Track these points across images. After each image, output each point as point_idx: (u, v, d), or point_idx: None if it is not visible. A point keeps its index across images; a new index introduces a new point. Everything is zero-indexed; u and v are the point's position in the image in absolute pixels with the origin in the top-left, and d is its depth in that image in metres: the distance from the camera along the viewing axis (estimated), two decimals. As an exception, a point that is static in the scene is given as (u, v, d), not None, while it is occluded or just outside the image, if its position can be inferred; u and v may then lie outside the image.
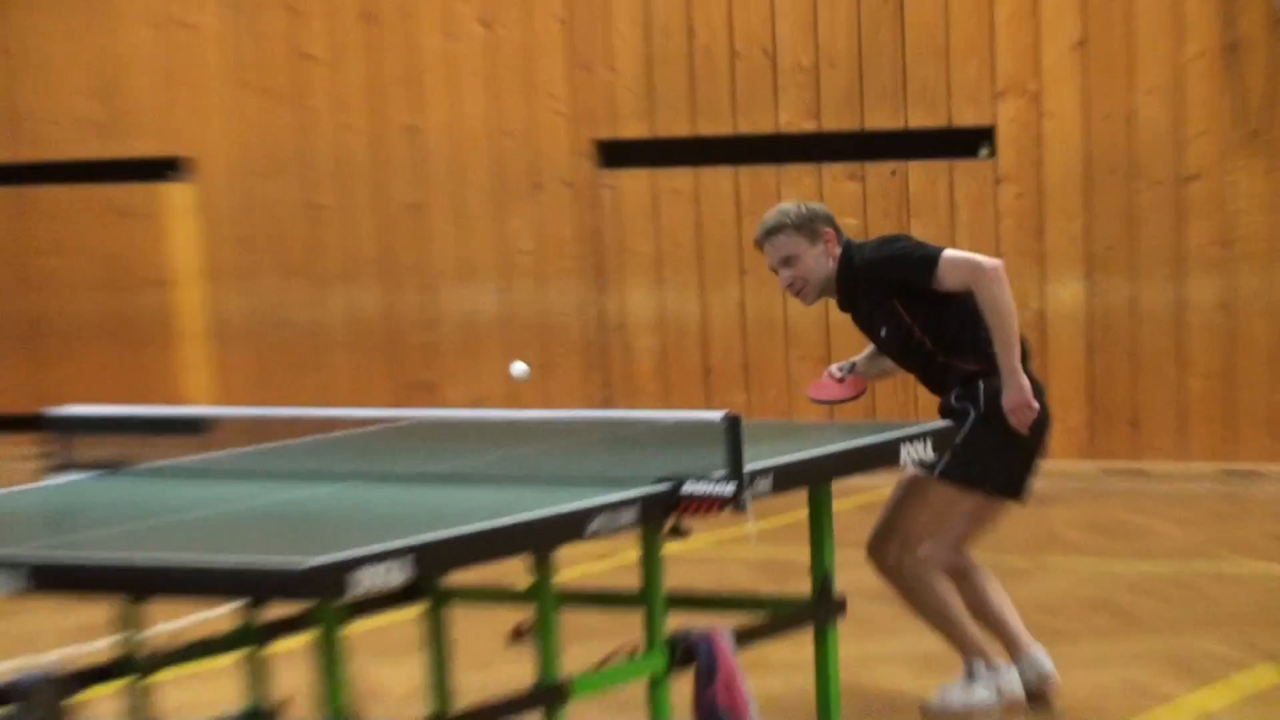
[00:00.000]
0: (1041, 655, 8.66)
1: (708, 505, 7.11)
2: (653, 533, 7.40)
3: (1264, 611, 10.11)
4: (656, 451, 7.87)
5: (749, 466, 7.17)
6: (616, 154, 15.03)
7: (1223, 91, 13.47)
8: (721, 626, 7.76)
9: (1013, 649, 8.63)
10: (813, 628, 8.13)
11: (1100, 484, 13.68)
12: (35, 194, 16.70)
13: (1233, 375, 13.60)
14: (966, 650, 8.56)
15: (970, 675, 8.54)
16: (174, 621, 9.28)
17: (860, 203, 14.18)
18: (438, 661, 8.38)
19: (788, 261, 8.45)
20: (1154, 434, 13.78)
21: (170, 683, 8.32)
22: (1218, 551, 11.54)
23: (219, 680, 8.74)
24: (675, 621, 7.67)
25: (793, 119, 14.49)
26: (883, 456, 8.04)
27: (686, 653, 7.60)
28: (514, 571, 7.42)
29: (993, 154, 14.05)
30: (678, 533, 7.35)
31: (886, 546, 8.54)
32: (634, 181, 15.00)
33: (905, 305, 8.42)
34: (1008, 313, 8.28)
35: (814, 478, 7.92)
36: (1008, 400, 8.35)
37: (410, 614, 8.68)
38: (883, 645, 9.53)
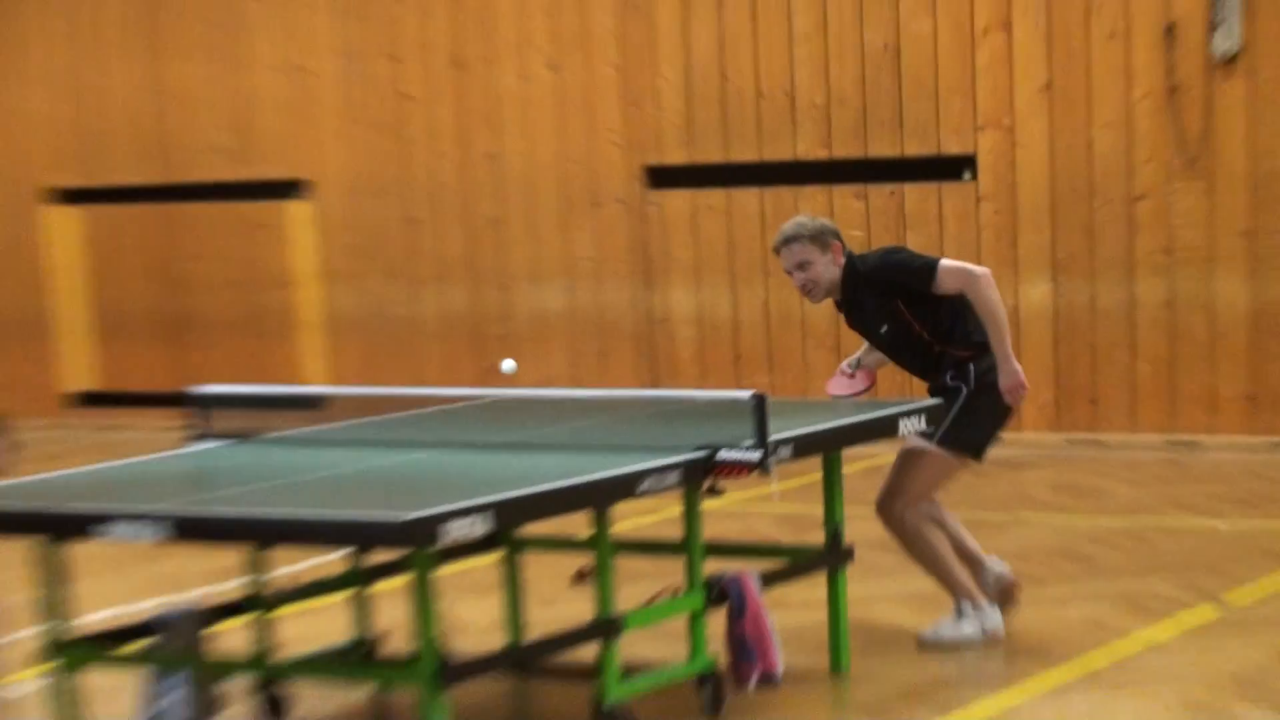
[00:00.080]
0: (999, 565, 8.68)
1: (738, 469, 7.10)
2: (692, 492, 7.37)
3: (1203, 558, 10.01)
4: (695, 424, 7.83)
5: (773, 437, 7.16)
6: (662, 177, 14.95)
7: (1166, 126, 13.38)
8: (749, 571, 7.74)
9: (975, 566, 8.62)
10: (826, 572, 8.12)
11: (1065, 452, 13.58)
12: (181, 210, 16.67)
13: (1175, 361, 13.50)
14: (956, 592, 8.50)
15: (959, 613, 8.47)
16: (293, 566, 9.23)
17: (865, 218, 14.10)
18: (513, 599, 8.35)
19: (801, 266, 8.40)
20: (1110, 410, 13.69)
21: (289, 617, 8.29)
22: (1163, 508, 11.46)
23: (330, 615, 8.69)
24: (711, 566, 7.64)
25: (808, 148, 14.41)
26: (884, 429, 8.07)
27: (720, 593, 7.58)
28: (577, 524, 7.38)
29: (975, 177, 13.95)
30: (713, 492, 7.33)
31: (892, 504, 8.46)
32: (676, 200, 14.92)
33: (906, 305, 8.37)
34: (999, 311, 8.30)
35: (827, 446, 7.91)
36: (1004, 382, 8.34)
37: (490, 559, 8.64)
38: (885, 587, 9.45)
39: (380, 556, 7.98)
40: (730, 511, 10.98)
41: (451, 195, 15.60)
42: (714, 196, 14.76)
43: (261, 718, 7.70)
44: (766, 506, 11.52)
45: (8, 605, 6.01)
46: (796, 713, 7.54)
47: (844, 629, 8.09)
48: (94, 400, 16.85)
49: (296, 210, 16.15)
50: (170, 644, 7.27)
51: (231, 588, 9.12)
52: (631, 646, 7.51)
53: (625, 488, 6.85)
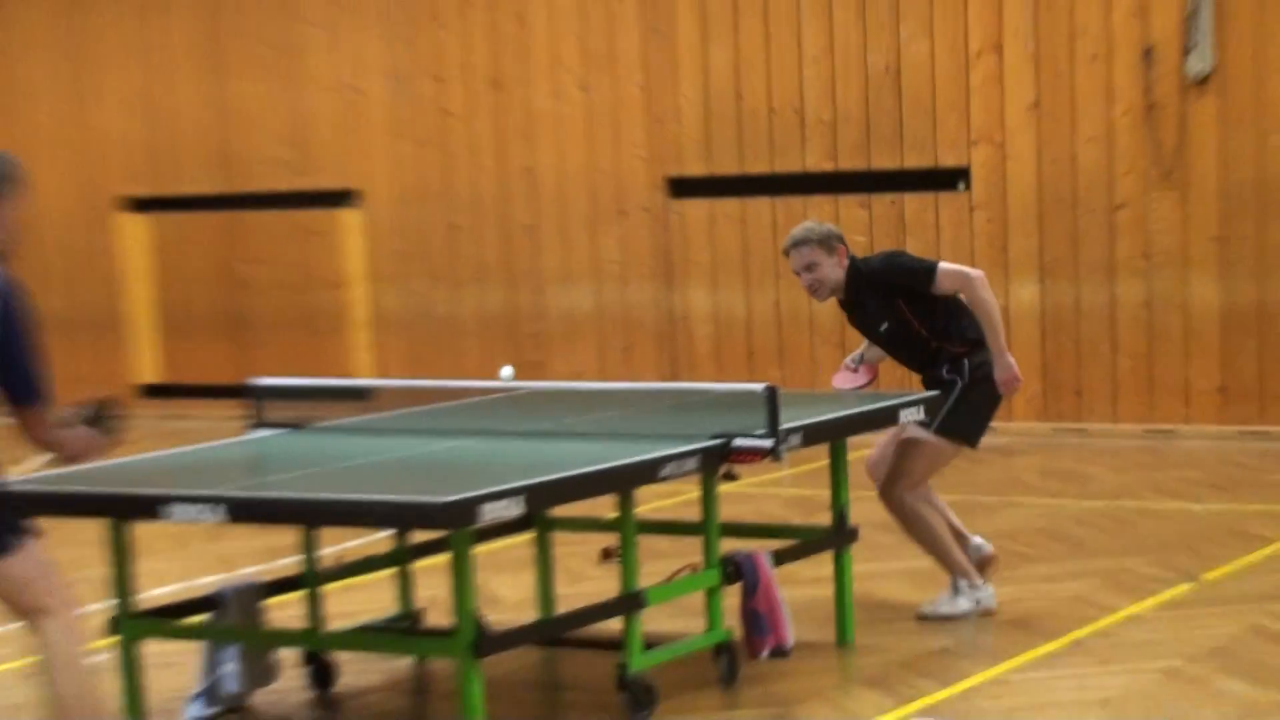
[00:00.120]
0: (979, 540, 8.64)
1: (752, 456, 7.04)
2: (710, 476, 7.29)
3: (1180, 539, 9.92)
4: (712, 414, 7.77)
5: (784, 426, 7.09)
6: (682, 188, 14.87)
7: (1144, 141, 13.29)
8: (762, 550, 7.66)
9: (960, 541, 8.55)
10: (832, 551, 8.05)
11: (1052, 440, 13.47)
12: (242, 217, 16.63)
13: (1153, 357, 13.40)
14: (953, 570, 8.41)
15: (955, 590, 8.39)
16: (341, 545, 9.14)
17: (868, 225, 14.04)
18: (543, 576, 8.26)
19: (809, 268, 8.33)
20: (1093, 402, 13.58)
21: (337, 592, 8.21)
22: (1143, 493, 11.35)
23: (375, 591, 8.61)
24: (727, 546, 7.56)
25: (816, 161, 14.33)
26: (886, 418, 8.03)
27: (735, 570, 7.52)
28: (603, 506, 7.30)
29: (969, 188, 13.85)
30: (729, 477, 7.31)
31: (893, 489, 8.38)
32: (695, 209, 14.84)
33: (906, 304, 8.31)
34: (994, 309, 8.27)
35: (833, 434, 7.85)
36: (1000, 374, 8.30)
37: (522, 539, 8.56)
38: (886, 565, 9.36)
39: (421, 536, 7.90)
40: (745, 495, 10.92)
41: (489, 204, 15.54)
42: (730, 205, 14.69)
43: (311, 686, 7.61)
44: (778, 490, 11.47)
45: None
46: (806, 681, 7.46)
47: (849, 604, 8.02)
48: (160, 392, 16.83)
49: (347, 218, 16.10)
50: (228, 617, 7.22)
51: (284, 565, 9.08)
52: (653, 620, 7.43)
53: (647, 473, 6.79)
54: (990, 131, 13.73)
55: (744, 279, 14.65)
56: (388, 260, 15.98)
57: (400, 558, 7.97)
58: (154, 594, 8.79)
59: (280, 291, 16.44)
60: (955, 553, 8.41)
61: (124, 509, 6.76)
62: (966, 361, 8.31)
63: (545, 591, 8.24)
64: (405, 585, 7.99)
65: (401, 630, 7.89)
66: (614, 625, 7.10)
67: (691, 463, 6.91)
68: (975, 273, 8.28)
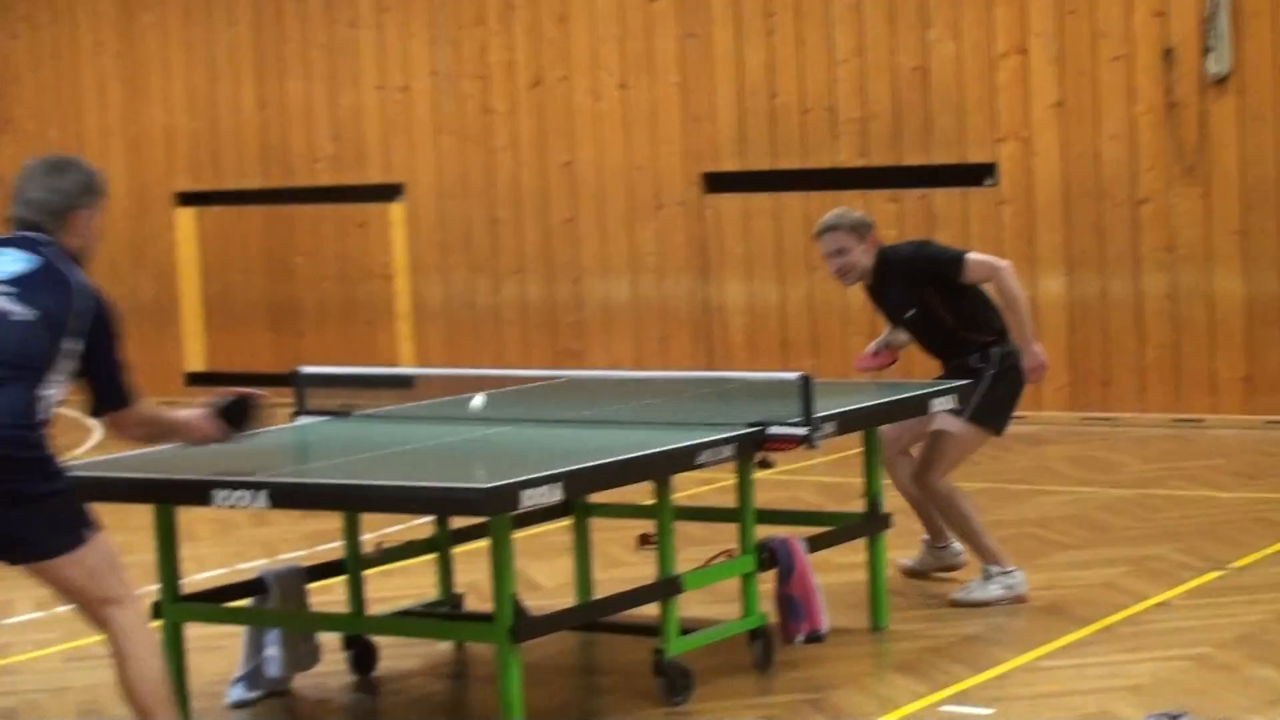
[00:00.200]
0: (959, 547, 8.53)
1: (787, 443, 6.92)
2: (745, 464, 7.13)
3: (1207, 526, 9.74)
4: (747, 403, 7.62)
5: (818, 414, 6.96)
6: (717, 183, 14.79)
7: (1165, 138, 13.22)
8: (797, 536, 7.52)
9: (939, 536, 8.52)
10: (866, 537, 7.90)
11: (1080, 429, 13.31)
12: (291, 211, 16.59)
13: (1179, 347, 13.28)
14: (984, 556, 8.24)
15: (986, 576, 8.20)
16: (381, 530, 9.00)
17: (899, 220, 13.93)
18: (582, 562, 8.15)
19: (839, 252, 8.24)
20: (1120, 392, 13.45)
21: (378, 577, 8.08)
22: (1170, 481, 11.16)
23: (417, 575, 8.47)
24: (762, 532, 7.43)
25: (848, 157, 14.26)
26: (918, 407, 7.90)
27: (770, 556, 7.37)
28: (640, 493, 7.18)
29: (996, 183, 13.77)
30: (764, 464, 7.19)
31: (927, 475, 8.24)
32: (730, 203, 14.75)
33: (935, 292, 8.19)
34: (1021, 299, 8.18)
35: (867, 422, 7.71)
36: (1028, 362, 8.21)
37: (561, 525, 8.43)
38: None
39: (461, 522, 7.76)
40: (780, 481, 10.78)
41: (530, 198, 15.48)
42: (763, 200, 14.61)
43: (352, 670, 7.46)
44: (812, 477, 11.33)
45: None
46: (840, 667, 7.30)
47: (883, 590, 7.88)
48: (207, 380, 16.79)
49: (392, 211, 16.06)
50: (270, 602, 7.09)
51: (327, 550, 8.98)
52: (689, 605, 7.28)
53: (684, 460, 6.67)
54: (1016, 129, 13.66)
55: (778, 271, 14.57)
56: (430, 252, 15.93)
57: (440, 543, 7.83)
58: (197, 578, 8.72)
59: (325, 283, 16.42)
60: (987, 538, 8.25)
61: (169, 494, 6.63)
62: (995, 351, 8.20)
63: (583, 577, 8.12)
64: (445, 570, 7.85)
65: (441, 615, 7.75)
66: (651, 610, 6.97)
67: (727, 450, 6.78)
68: (1003, 263, 8.18)
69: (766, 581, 7.38)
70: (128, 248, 17.12)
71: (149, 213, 17.05)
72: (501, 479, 5.93)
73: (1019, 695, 6.82)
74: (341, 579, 7.45)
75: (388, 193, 16.01)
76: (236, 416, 6.32)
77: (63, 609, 7.99)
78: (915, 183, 14.02)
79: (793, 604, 7.37)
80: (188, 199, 16.95)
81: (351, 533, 7.38)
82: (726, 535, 7.64)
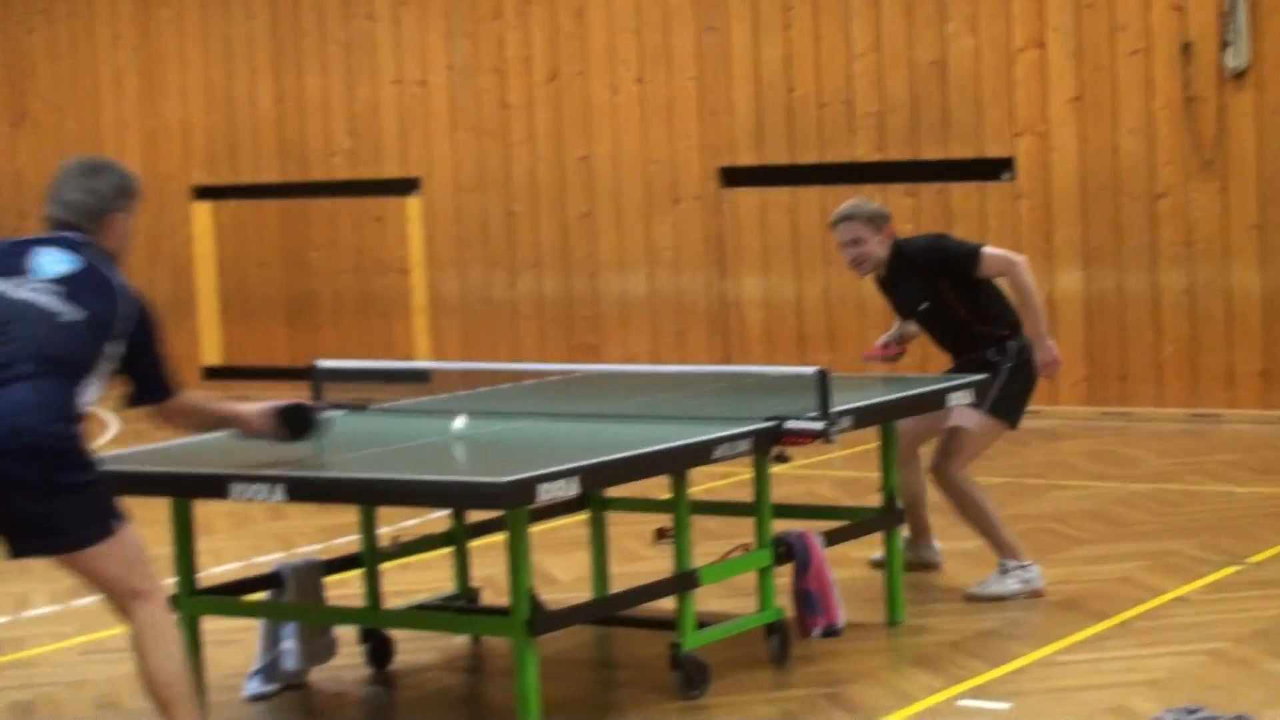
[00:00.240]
0: (939, 546, 8.64)
1: (804, 438, 6.90)
2: (762, 458, 7.13)
3: (1224, 521, 9.71)
4: (764, 397, 7.66)
5: (835, 409, 6.94)
6: (734, 177, 14.76)
7: (1183, 132, 13.18)
8: (813, 530, 7.49)
9: (920, 535, 8.57)
10: (882, 532, 7.88)
11: (1097, 424, 13.26)
12: (308, 205, 16.57)
13: (1196, 342, 13.23)
14: (1001, 550, 8.23)
15: (1003, 570, 8.20)
16: (398, 524, 9.00)
17: (916, 214, 13.91)
18: (598, 555, 8.14)
19: (855, 242, 8.26)
20: (1138, 386, 13.41)
21: (395, 571, 8.08)
22: (1187, 476, 11.14)
23: (434, 569, 8.47)
24: (778, 526, 7.41)
25: (865, 151, 14.24)
26: (934, 401, 7.87)
27: (787, 550, 7.35)
28: (657, 487, 7.17)
29: (1013, 178, 13.73)
30: (781, 459, 7.17)
31: (945, 468, 8.23)
32: (747, 197, 14.73)
33: (950, 286, 8.20)
34: (1035, 294, 8.19)
35: (883, 417, 7.70)
36: (1042, 357, 8.23)
37: (577, 519, 8.43)
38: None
39: (478, 515, 7.76)
40: (796, 476, 10.77)
41: (547, 192, 15.46)
42: (781, 194, 14.59)
43: (368, 663, 7.46)
44: (829, 471, 11.32)
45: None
46: (857, 661, 7.30)
47: (899, 584, 7.86)
48: (224, 373, 16.81)
49: (409, 205, 16.05)
50: (287, 595, 7.09)
51: (343, 544, 8.98)
52: (706, 600, 7.29)
53: (701, 454, 6.66)
54: (1034, 123, 13.63)
55: (794, 265, 14.55)
56: (447, 246, 15.92)
57: (457, 537, 7.83)
58: (214, 572, 8.71)
59: (342, 277, 16.41)
60: (1004, 532, 8.24)
61: (186, 488, 6.67)
62: (1010, 345, 8.21)
63: (600, 571, 8.11)
64: (462, 564, 7.85)
65: (458, 608, 7.74)
66: (667, 604, 6.96)
67: (744, 444, 6.78)
68: (1019, 258, 8.20)
69: (783, 576, 7.36)
70: (144, 241, 17.10)
71: (166, 206, 17.03)
72: (519, 473, 5.92)
73: (1036, 690, 6.81)
74: (358, 573, 7.45)
75: (405, 187, 16.01)
76: (297, 423, 6.38)
77: (79, 602, 8.02)
78: (932, 177, 13.99)
79: (809, 598, 7.35)
80: (205, 193, 16.95)
81: (368, 526, 7.38)
82: (743, 529, 7.63)
